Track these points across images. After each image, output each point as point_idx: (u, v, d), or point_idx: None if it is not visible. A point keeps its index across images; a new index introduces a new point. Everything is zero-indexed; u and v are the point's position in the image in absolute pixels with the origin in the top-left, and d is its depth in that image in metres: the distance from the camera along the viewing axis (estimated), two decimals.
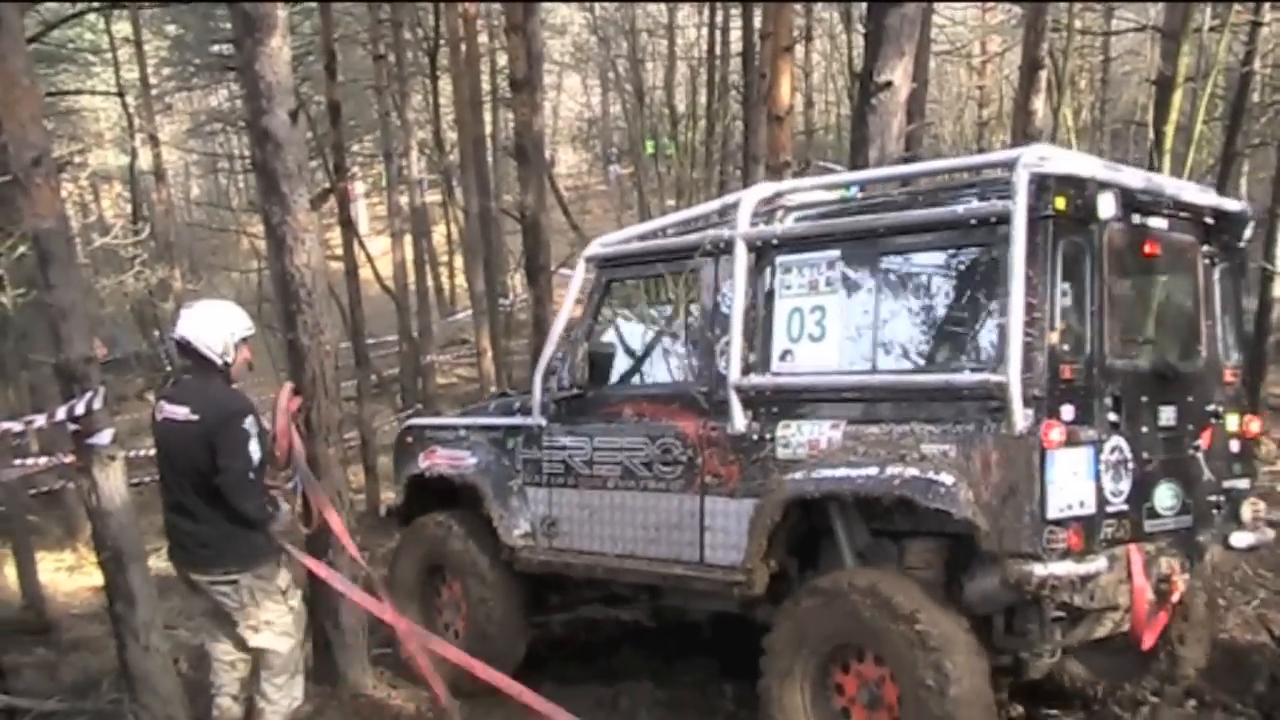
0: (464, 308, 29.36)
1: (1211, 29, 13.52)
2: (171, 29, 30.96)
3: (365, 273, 20.05)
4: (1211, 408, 6.10)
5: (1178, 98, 11.65)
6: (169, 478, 6.03)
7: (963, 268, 5.73)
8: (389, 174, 23.69)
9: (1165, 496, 5.77)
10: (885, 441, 5.60)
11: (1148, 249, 5.94)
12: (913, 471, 5.42)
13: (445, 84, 24.85)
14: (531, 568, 7.33)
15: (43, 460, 13.49)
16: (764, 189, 6.83)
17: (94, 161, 32.11)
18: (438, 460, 7.87)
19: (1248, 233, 6.41)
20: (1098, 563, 5.27)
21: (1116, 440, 5.46)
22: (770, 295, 6.28)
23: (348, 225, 19.12)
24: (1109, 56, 28.43)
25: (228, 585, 5.96)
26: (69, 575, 13.66)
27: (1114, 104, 31.07)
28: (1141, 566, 5.54)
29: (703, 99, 30.34)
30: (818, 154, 27.64)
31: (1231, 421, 6.24)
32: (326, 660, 7.25)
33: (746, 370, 6.23)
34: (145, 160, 28.34)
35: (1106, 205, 5.37)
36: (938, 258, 5.81)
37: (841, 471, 5.71)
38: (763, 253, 6.33)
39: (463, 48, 19.10)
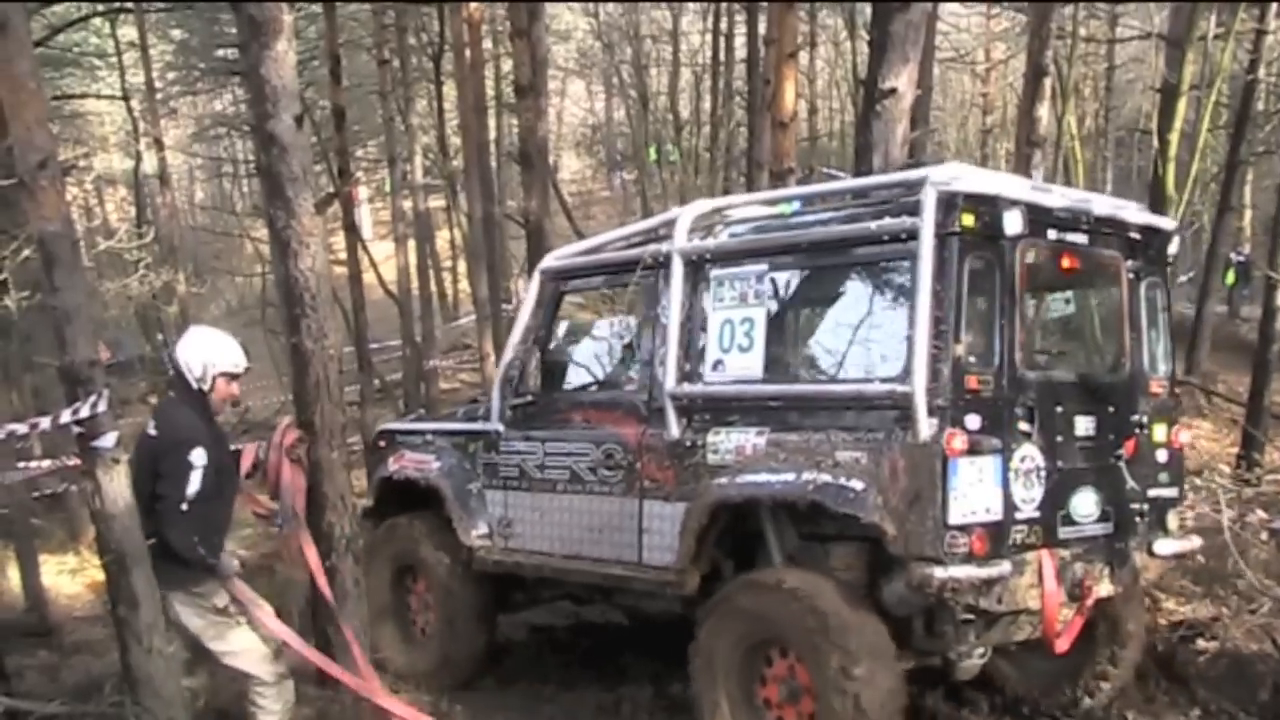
0: (467, 313, 29.37)
1: (1216, 37, 13.54)
2: (176, 33, 31.00)
3: (369, 277, 20.07)
4: (1136, 418, 6.25)
5: (1182, 105, 11.66)
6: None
7: (877, 282, 5.99)
8: (393, 179, 23.66)
9: (1083, 504, 5.94)
10: (804, 448, 5.86)
11: (1067, 264, 6.13)
12: (825, 477, 5.68)
13: (450, 89, 24.87)
14: (487, 567, 7.61)
15: (46, 463, 13.44)
16: (702, 205, 7.07)
17: (99, 165, 32.20)
18: (406, 464, 8.19)
19: (1173, 249, 6.55)
20: (1001, 567, 5.44)
21: (1028, 449, 5.65)
22: (704, 307, 6.53)
23: (352, 230, 19.13)
24: (1113, 64, 28.46)
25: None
26: (72, 578, 13.62)
27: (1118, 111, 31.11)
28: (1054, 572, 5.64)
29: (707, 105, 30.43)
30: (821, 160, 27.68)
31: (1159, 432, 6.39)
32: None
33: (681, 379, 6.50)
34: (150, 164, 28.41)
35: (1013, 222, 5.51)
36: (854, 272, 6.09)
37: (762, 477, 5.98)
38: (698, 266, 6.61)
39: (467, 53, 19.10)
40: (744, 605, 5.97)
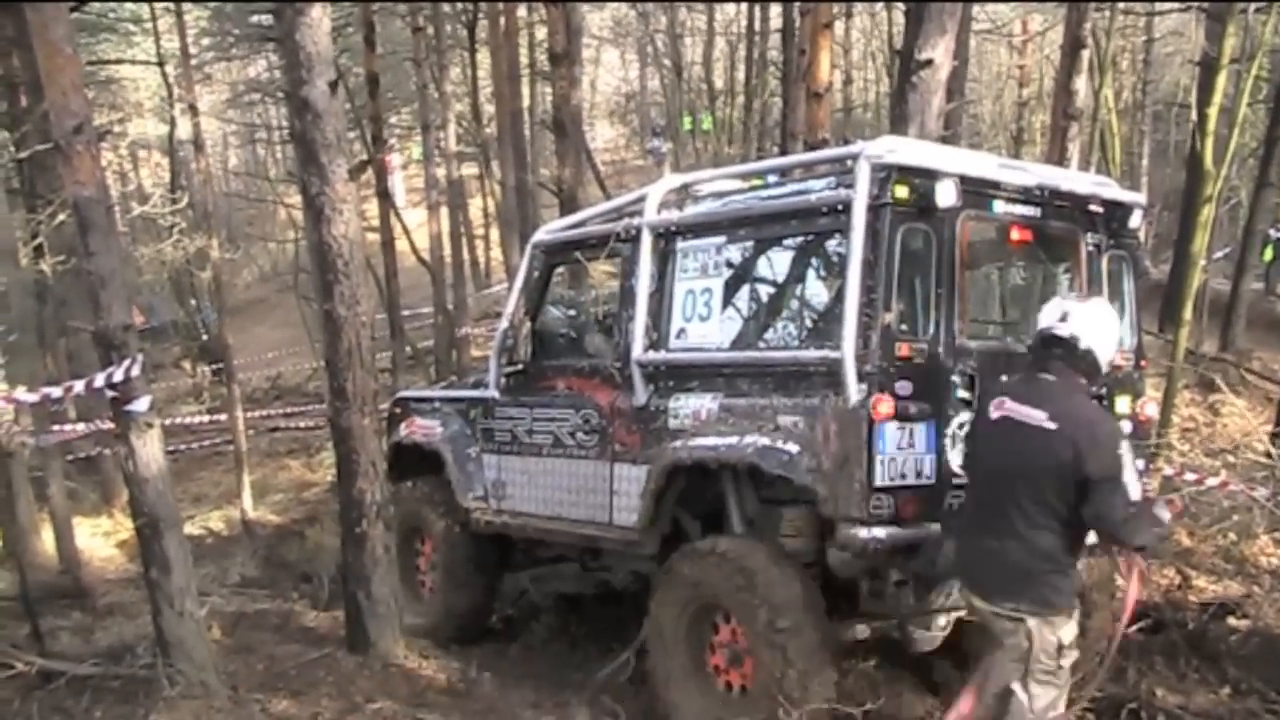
0: (499, 281, 29.39)
1: (1257, 10, 13.32)
2: None
3: (401, 244, 20.09)
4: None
5: (1222, 79, 11.47)
6: (984, 485, 5.15)
7: (818, 253, 6.16)
8: (426, 146, 23.63)
9: None
10: (750, 413, 6.06)
11: (1017, 237, 6.19)
12: (764, 441, 5.87)
13: (484, 57, 24.81)
14: (481, 527, 7.91)
15: (81, 427, 13.60)
16: (674, 179, 7.27)
17: (134, 130, 32.30)
18: (414, 429, 8.56)
19: (1134, 221, 6.52)
20: (929, 530, 5.55)
21: (968, 416, 5.66)
22: (671, 278, 6.78)
23: (385, 197, 19.15)
24: (1152, 37, 28.15)
25: (1010, 622, 4.92)
26: (105, 540, 13.75)
27: (1156, 85, 30.81)
28: None
29: (741, 75, 30.28)
30: (856, 131, 27.49)
31: (1122, 404, 6.43)
32: (357, 629, 7.30)
33: (648, 347, 6.76)
34: (184, 130, 28.38)
35: (946, 194, 5.57)
36: (798, 243, 6.26)
37: (711, 440, 6.21)
38: (666, 239, 6.83)
39: (501, 20, 19.07)
40: (684, 573, 6.19)
